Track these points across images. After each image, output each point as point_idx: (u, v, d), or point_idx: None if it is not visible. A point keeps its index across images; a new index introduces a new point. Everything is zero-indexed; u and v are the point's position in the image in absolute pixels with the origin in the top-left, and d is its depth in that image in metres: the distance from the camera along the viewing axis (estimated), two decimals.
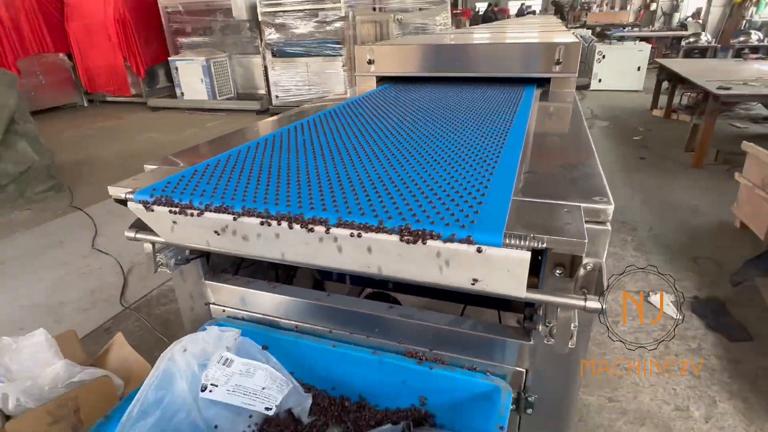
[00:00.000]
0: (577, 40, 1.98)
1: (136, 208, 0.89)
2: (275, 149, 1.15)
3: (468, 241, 0.68)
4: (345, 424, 1.12)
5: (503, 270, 0.70)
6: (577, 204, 0.77)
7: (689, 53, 8.91)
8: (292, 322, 1.11)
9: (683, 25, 11.36)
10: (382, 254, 0.77)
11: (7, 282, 2.89)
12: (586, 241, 0.66)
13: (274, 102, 7.62)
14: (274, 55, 7.37)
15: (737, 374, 2.04)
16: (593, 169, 0.97)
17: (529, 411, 0.97)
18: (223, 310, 1.16)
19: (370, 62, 2.12)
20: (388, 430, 1.08)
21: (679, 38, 10.33)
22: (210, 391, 1.05)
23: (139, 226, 0.99)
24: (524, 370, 0.94)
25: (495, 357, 0.96)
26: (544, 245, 0.66)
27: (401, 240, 0.71)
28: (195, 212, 0.85)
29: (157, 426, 0.94)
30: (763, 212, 2.95)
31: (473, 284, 0.76)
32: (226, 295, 1.14)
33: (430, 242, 0.70)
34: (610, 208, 0.77)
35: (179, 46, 8.36)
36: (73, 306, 2.61)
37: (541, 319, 0.82)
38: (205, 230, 0.88)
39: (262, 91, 7.99)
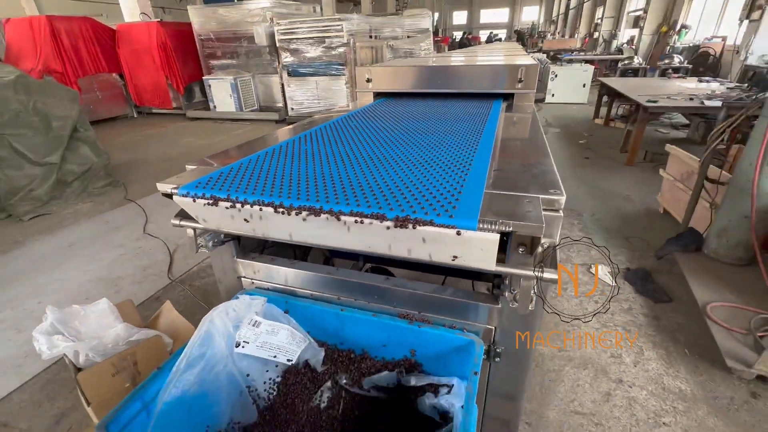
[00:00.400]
0: (535, 62, 1.96)
1: (180, 200, 0.88)
2: (291, 154, 1.13)
3: (449, 226, 0.68)
4: (351, 371, 1.12)
5: (477, 248, 0.70)
6: (536, 195, 0.77)
7: (624, 73, 8.86)
8: (308, 291, 1.11)
9: (620, 50, 11.30)
10: (380, 237, 0.77)
11: (75, 260, 2.87)
12: (544, 225, 0.66)
13: (290, 113, 7.52)
14: (289, 74, 7.25)
15: (659, 329, 2.08)
16: (549, 167, 0.96)
17: (497, 360, 0.98)
18: (252, 282, 1.15)
19: (368, 80, 2.09)
20: (385, 375, 1.09)
21: (617, 61, 10.27)
22: (242, 347, 1.05)
23: (183, 215, 0.98)
24: (493, 328, 0.95)
25: (470, 317, 0.96)
26: (510, 229, 0.66)
27: (396, 226, 0.71)
28: (227, 204, 0.84)
29: (200, 375, 0.94)
30: (681, 201, 2.98)
31: (453, 260, 0.76)
32: (254, 270, 1.14)
33: (419, 227, 0.70)
34: (563, 199, 0.77)
35: (211, 67, 8.19)
36: (129, 280, 2.59)
37: (507, 287, 0.82)
38: (235, 218, 0.87)
39: (280, 104, 7.87)
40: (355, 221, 0.73)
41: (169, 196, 0.91)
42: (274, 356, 1.08)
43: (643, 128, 4.43)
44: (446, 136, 1.23)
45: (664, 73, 7.99)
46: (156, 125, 7.84)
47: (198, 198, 0.86)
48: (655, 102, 4.27)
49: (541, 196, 0.77)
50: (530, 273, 0.73)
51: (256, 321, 1.07)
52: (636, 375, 1.79)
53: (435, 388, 1.05)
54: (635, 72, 8.76)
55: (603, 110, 6.93)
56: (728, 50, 8.07)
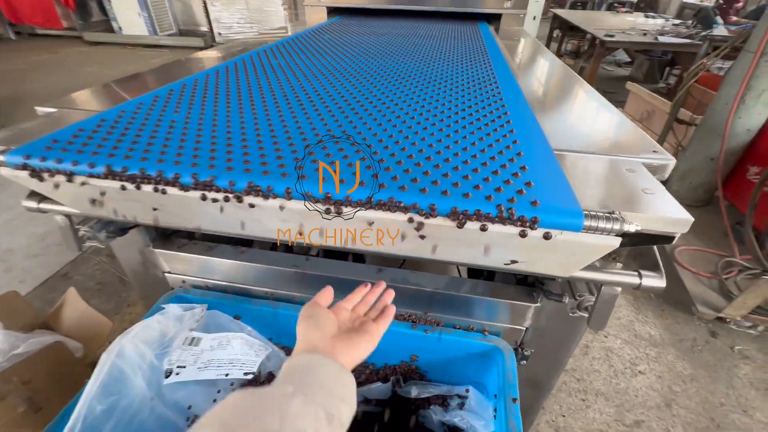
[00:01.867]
0: None
1: (13, 175, 0.47)
2: (224, 88, 0.73)
3: (530, 223, 0.38)
4: None
5: (566, 254, 0.42)
6: (634, 158, 0.49)
7: (573, 5, 8.62)
8: (267, 290, 0.78)
9: None
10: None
11: None
12: (692, 219, 0.38)
13: (218, 39, 6.35)
14: None
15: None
16: (613, 113, 0.68)
17: (523, 362, 0.76)
18: (183, 281, 0.80)
19: None
20: (376, 388, 0.84)
21: None
22: (177, 374, 0.73)
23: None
24: (524, 329, 0.72)
25: (494, 317, 0.72)
26: (638, 228, 0.38)
27: (458, 225, 0.39)
28: (106, 183, 0.46)
29: None
30: None
31: (507, 264, 0.47)
32: (184, 264, 0.78)
33: (468, 225, 0.39)
34: (671, 164, 0.49)
35: None
36: (22, 253, 2.02)
37: (569, 291, 0.57)
38: (132, 204, 0.50)
39: (204, 28, 6.60)
40: (368, 224, 0.41)
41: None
42: (226, 374, 0.77)
43: (598, 64, 4.29)
44: (447, 66, 0.88)
45: (611, 7, 7.86)
46: (45, 50, 6.25)
47: (47, 172, 0.47)
48: (612, 36, 4.10)
49: (642, 159, 0.49)
50: (625, 279, 0.47)
51: (194, 338, 0.74)
52: (610, 324, 1.76)
53: (443, 400, 0.83)
54: (584, 5, 8.55)
55: (553, 46, 6.71)
56: None
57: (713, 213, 2.20)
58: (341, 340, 0.45)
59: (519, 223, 0.37)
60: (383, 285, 0.58)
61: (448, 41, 1.19)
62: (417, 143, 0.53)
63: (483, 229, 0.41)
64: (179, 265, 0.78)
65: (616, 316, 1.80)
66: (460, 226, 0.40)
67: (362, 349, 0.46)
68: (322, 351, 0.43)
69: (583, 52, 5.66)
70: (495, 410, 0.69)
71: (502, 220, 0.38)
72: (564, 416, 1.40)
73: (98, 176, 0.47)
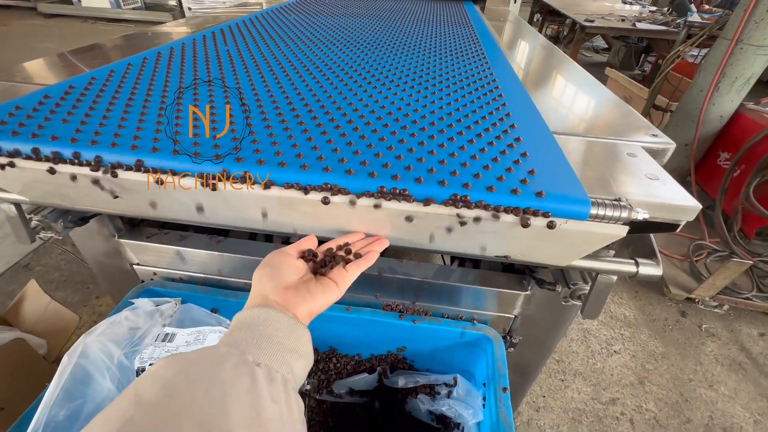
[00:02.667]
0: None
1: None
2: (202, 57, 0.66)
3: (536, 211, 0.35)
4: (316, 374, 0.84)
5: (568, 244, 0.40)
6: (634, 141, 0.47)
7: None
8: (245, 281, 0.74)
9: None
10: (387, 220, 0.42)
11: None
12: (699, 206, 0.37)
13: (188, 14, 6.00)
14: None
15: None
16: (610, 97, 0.66)
17: (511, 349, 0.76)
18: (155, 273, 0.74)
19: None
20: (362, 378, 0.82)
21: None
22: None
23: None
24: (513, 316, 0.71)
25: (483, 306, 0.70)
26: (646, 216, 0.36)
27: (454, 207, 0.36)
28: (56, 167, 0.40)
29: None
30: None
31: (502, 256, 0.45)
32: (155, 255, 0.72)
33: (466, 212, 0.36)
34: (672, 148, 0.48)
35: None
36: None
37: (562, 280, 0.55)
38: (90, 192, 0.44)
39: (173, 2, 6.22)
40: (375, 205, 0.37)
41: None
42: None
43: (578, 49, 4.32)
44: (435, 41, 0.84)
45: None
46: None
47: None
48: (592, 22, 4.11)
49: (642, 142, 0.47)
50: (622, 268, 0.46)
51: (168, 334, 0.69)
52: None
53: (430, 389, 0.82)
54: None
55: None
56: None
57: None
58: (296, 290, 0.39)
59: (523, 213, 0.34)
60: (382, 239, 0.46)
61: (432, 19, 1.14)
62: (408, 127, 0.50)
63: (476, 220, 0.38)
64: (149, 257, 0.72)
65: None
66: (461, 218, 0.37)
67: (322, 299, 0.39)
68: (272, 303, 0.38)
69: (562, 38, 5.69)
70: (484, 399, 0.69)
71: (505, 211, 0.35)
72: (544, 397, 1.43)
73: (40, 159, 0.41)
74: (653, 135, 0.49)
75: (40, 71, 0.74)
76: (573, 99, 0.65)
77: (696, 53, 2.76)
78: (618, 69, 5.34)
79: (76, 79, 0.60)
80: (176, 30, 1.09)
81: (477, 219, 0.38)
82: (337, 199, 0.40)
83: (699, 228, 1.96)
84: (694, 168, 2.11)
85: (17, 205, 0.54)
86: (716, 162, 2.10)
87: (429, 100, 0.58)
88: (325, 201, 0.41)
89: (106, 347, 0.61)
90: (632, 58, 5.63)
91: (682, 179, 2.32)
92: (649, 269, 0.45)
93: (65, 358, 0.57)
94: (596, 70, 4.41)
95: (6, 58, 4.37)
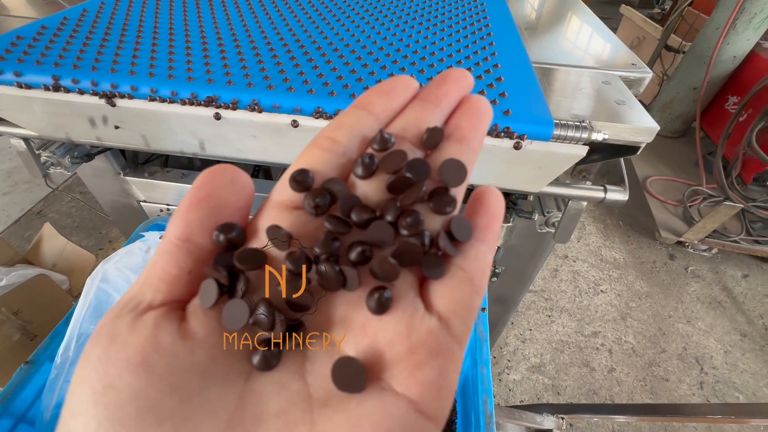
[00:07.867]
0: None
1: None
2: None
3: (501, 133, 0.38)
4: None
5: (534, 167, 0.43)
6: (611, 71, 0.48)
7: None
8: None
9: None
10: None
11: None
12: (658, 126, 0.39)
13: None
14: None
15: (597, 205, 2.14)
16: (588, 16, 0.65)
17: (494, 279, 0.82)
18: (161, 210, 0.79)
19: None
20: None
21: None
22: None
23: None
24: (497, 248, 0.76)
25: None
26: (606, 136, 0.39)
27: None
28: (61, 95, 0.43)
29: None
30: None
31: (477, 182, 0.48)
32: (161, 193, 0.76)
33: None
34: (648, 77, 0.49)
35: None
36: None
37: (538, 209, 0.59)
38: (96, 123, 0.47)
39: None
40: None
41: None
42: None
43: None
44: None
45: None
46: None
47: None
48: None
49: (618, 72, 0.48)
50: (591, 194, 0.49)
51: None
52: (579, 250, 1.88)
53: None
54: None
55: None
56: None
57: (687, 144, 2.25)
58: None
59: (491, 130, 0.37)
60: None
61: None
62: (392, 55, 0.51)
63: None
64: (155, 194, 0.77)
65: (585, 242, 1.91)
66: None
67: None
68: None
69: None
70: None
71: None
72: (531, 330, 1.54)
73: (43, 89, 0.44)
74: (632, 64, 0.50)
75: (19, 6, 0.73)
76: (562, 31, 0.65)
77: None
78: (636, 7, 4.99)
79: (69, 10, 0.61)
80: None
81: None
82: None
83: (698, 174, 1.97)
84: (701, 113, 2.06)
85: (26, 140, 0.58)
86: (724, 107, 2.05)
87: (422, 35, 0.58)
88: (294, 124, 0.44)
89: (124, 273, 0.68)
90: None
91: (687, 125, 2.28)
92: (616, 195, 0.49)
93: (88, 281, 0.63)
94: (613, 8, 4.15)
95: None
